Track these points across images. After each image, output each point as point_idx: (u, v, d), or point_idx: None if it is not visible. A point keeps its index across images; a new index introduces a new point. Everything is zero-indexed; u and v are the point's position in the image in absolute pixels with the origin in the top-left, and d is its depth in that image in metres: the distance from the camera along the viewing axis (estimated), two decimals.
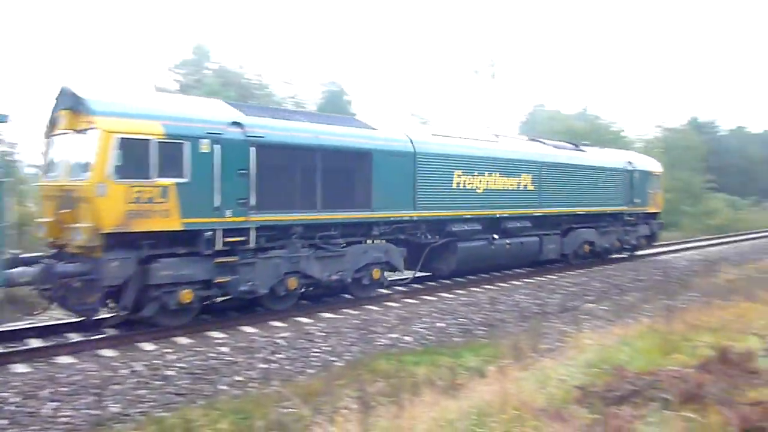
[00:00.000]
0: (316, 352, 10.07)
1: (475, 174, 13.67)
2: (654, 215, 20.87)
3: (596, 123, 41.25)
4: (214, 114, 9.36)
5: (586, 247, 18.18)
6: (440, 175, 12.83)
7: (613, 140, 40.41)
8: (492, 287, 15.15)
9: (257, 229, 9.69)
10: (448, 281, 15.25)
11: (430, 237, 12.85)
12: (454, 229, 13.35)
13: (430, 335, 11.82)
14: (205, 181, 8.98)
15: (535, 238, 15.97)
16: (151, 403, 7.63)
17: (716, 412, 4.07)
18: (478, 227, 13.96)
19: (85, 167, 8.35)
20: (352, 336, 10.82)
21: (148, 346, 9.02)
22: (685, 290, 16.36)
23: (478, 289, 14.86)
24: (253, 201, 9.56)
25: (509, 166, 14.71)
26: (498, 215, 14.35)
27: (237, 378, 8.68)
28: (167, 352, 8.82)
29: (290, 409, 6.84)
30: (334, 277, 10.96)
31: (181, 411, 7.32)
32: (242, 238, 9.51)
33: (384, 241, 11.69)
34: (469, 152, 13.62)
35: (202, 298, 9.37)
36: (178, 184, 8.74)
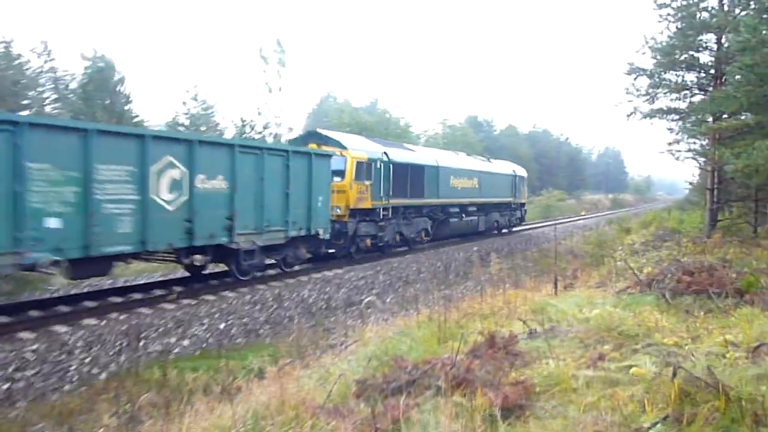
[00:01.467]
0: (75, 365, 9.31)
1: (457, 178, 26.20)
2: (523, 204, 34.73)
3: (385, 117, 43.17)
4: (377, 148, 20.63)
5: (494, 224, 30.69)
6: (447, 179, 25.33)
7: (401, 134, 42.69)
8: (278, 284, 15.25)
9: (391, 208, 20.33)
10: (229, 279, 14.94)
11: (441, 215, 24.95)
12: (450, 210, 25.64)
13: (211, 338, 11.52)
14: (377, 182, 19.81)
15: (476, 217, 28.34)
16: None
17: (482, 394, 4.43)
18: (457, 210, 26.15)
19: (341, 174, 18.55)
20: (120, 343, 10.16)
21: None
22: (463, 279, 19.03)
23: (263, 286, 14.85)
24: (390, 192, 20.51)
25: (469, 174, 27.36)
26: (465, 202, 26.70)
27: None
28: None
29: None
30: (412, 235, 22.80)
31: None
32: (386, 213, 20.45)
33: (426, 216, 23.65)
34: (457, 166, 26.28)
35: (373, 243, 20.07)
36: (371, 184, 19.47)
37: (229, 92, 79.11)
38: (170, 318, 11.52)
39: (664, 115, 21.18)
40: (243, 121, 34.75)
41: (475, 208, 28.26)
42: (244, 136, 33.85)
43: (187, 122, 37.77)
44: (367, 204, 20.31)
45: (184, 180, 12.49)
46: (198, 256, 13.04)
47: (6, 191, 9.38)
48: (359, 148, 20.43)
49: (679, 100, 20.47)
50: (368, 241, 20.61)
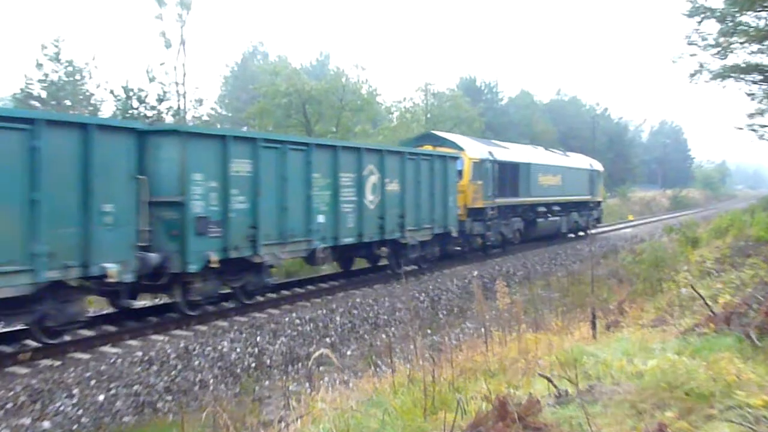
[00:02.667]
0: None
1: (545, 175, 34.80)
2: (599, 203, 43.44)
3: (339, 83, 43.08)
4: (483, 148, 30.65)
5: (574, 225, 39.26)
6: (536, 177, 34.36)
7: (364, 107, 42.76)
8: (184, 332, 15.49)
9: (497, 207, 29.64)
10: (108, 326, 15.55)
11: (531, 214, 33.02)
12: (538, 209, 33.92)
13: (84, 417, 11.69)
14: (487, 182, 29.24)
15: (559, 218, 36.44)
16: None
17: None
18: (544, 209, 34.73)
19: (460, 175, 28.11)
20: None
21: None
22: (459, 319, 19.98)
23: (160, 337, 15.12)
24: (496, 192, 30.30)
25: (554, 170, 35.39)
26: (551, 201, 34.55)
27: None
28: None
29: None
30: (510, 236, 32.13)
31: None
32: (493, 212, 29.70)
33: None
34: (544, 162, 35.19)
35: (483, 242, 29.79)
36: (482, 184, 28.88)
37: (107, 49, 78.69)
38: (21, 389, 11.71)
39: (742, 75, 21.63)
40: (127, 90, 34.21)
41: (558, 208, 37.53)
42: (129, 112, 33.45)
43: (43, 93, 37.22)
44: (480, 203, 29.62)
45: (379, 184, 22.61)
46: (384, 249, 23.53)
47: (304, 195, 19.48)
48: (474, 148, 30.16)
49: (763, 52, 20.86)
50: (479, 240, 30.48)
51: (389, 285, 23.16)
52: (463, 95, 58.41)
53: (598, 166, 44.05)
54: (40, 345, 13.80)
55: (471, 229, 29.18)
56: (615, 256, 32.24)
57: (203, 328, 16.14)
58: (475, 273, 25.94)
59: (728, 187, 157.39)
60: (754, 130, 21.37)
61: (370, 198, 22.48)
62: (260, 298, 19.02)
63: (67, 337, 14.13)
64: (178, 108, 38.98)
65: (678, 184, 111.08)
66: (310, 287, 21.73)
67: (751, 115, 22.03)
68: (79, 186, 13.34)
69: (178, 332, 15.54)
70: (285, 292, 20.69)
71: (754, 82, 21.04)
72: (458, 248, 29.11)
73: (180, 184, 15.88)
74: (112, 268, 13.88)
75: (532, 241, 35.13)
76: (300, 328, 17.29)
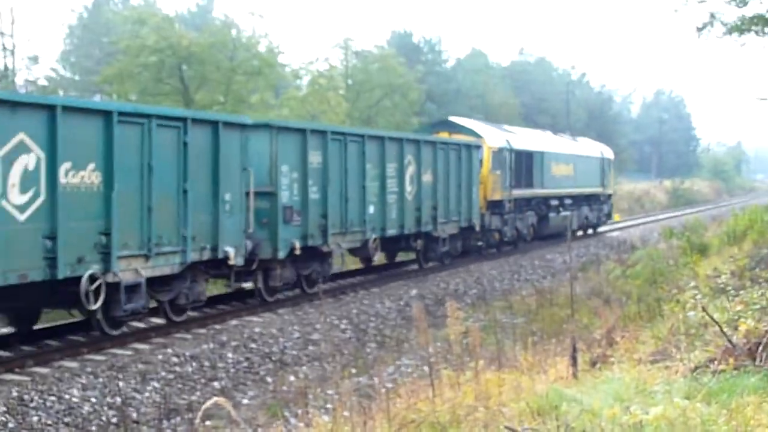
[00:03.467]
0: None
1: (558, 164, 42.60)
2: (610, 196, 50.41)
3: (228, 37, 42.60)
4: (500, 134, 39.44)
5: (585, 221, 45.60)
6: (549, 166, 42.63)
7: (262, 70, 42.32)
8: (16, 376, 15.68)
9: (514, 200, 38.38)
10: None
11: (543, 208, 41.30)
12: (551, 203, 41.85)
13: None
14: (504, 173, 36.97)
15: (570, 212, 41.94)
16: None
17: None
18: (557, 202, 42.20)
19: (479, 164, 36.21)
20: None
21: None
22: (394, 353, 20.24)
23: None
24: (513, 183, 38.42)
25: (566, 159, 43.28)
26: (563, 193, 42.53)
27: None
28: None
29: None
30: (525, 231, 40.00)
31: None
32: (510, 205, 37.66)
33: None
34: (556, 150, 43.17)
35: (501, 238, 37.59)
36: (500, 174, 36.68)
37: None
38: None
39: (765, 29, 22.07)
40: None
41: (570, 201, 43.67)
42: None
43: None
44: (498, 195, 35.40)
45: (416, 174, 29.20)
46: (420, 241, 30.72)
47: (359, 186, 26.74)
48: (492, 136, 36.23)
49: None
50: (497, 235, 36.58)
51: (303, 307, 24.44)
52: (396, 55, 58.33)
53: (609, 153, 51.75)
54: (164, 322, 20.77)
55: (489, 223, 35.66)
56: (597, 269, 33.49)
57: (45, 369, 16.26)
58: (494, 272, 33.85)
59: (745, 177, 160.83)
60: None
61: (408, 189, 29.40)
62: (192, 314, 22.19)
63: (192, 314, 21.39)
64: (5, 68, 38.17)
65: (679, 174, 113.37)
66: (192, 314, 21.85)
67: None
68: (210, 177, 20.46)
69: (9, 377, 15.58)
70: (157, 321, 21.09)
71: None
72: (480, 243, 35.97)
73: (270, 175, 22.97)
74: (231, 252, 20.98)
75: (544, 238, 41.66)
76: (178, 368, 17.43)
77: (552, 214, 41.58)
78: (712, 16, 20.66)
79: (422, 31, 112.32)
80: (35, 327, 19.29)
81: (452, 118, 39.14)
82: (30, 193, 16.02)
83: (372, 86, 54.24)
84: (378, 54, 58.01)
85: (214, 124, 20.75)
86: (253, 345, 19.56)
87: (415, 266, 33.64)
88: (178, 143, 19.53)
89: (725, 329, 11.18)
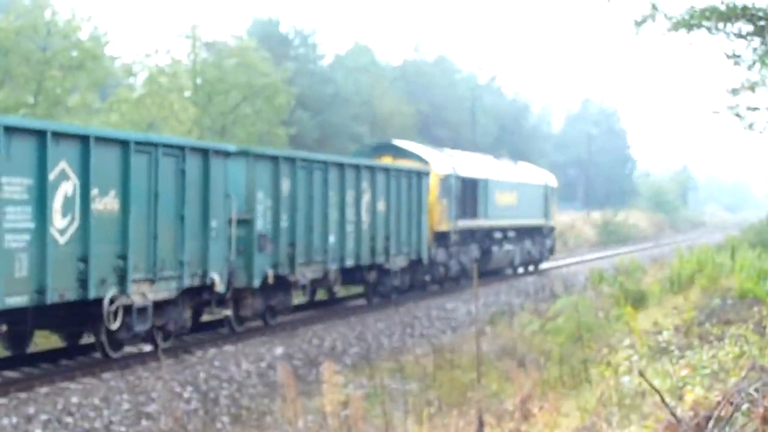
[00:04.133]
0: None
1: (502, 192, 50.55)
2: (553, 229, 58.91)
3: (40, 18, 41.93)
4: (445, 159, 46.09)
5: (527, 256, 52.58)
6: (494, 195, 49.80)
7: (84, 63, 41.81)
8: None
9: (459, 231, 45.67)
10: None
11: (487, 241, 48.10)
12: (494, 236, 48.91)
13: None
14: (450, 201, 44.14)
15: (513, 247, 50.75)
16: None
17: None
18: (500, 235, 49.18)
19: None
20: None
21: None
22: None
23: None
24: (457, 213, 44.93)
25: (510, 186, 50.85)
26: (506, 225, 49.49)
27: None
28: None
29: None
30: (469, 265, 44.27)
31: None
32: (455, 236, 44.97)
33: None
34: (499, 177, 50.41)
35: (446, 273, 44.45)
36: (447, 203, 44.14)
37: None
38: None
39: (721, 24, 22.44)
40: None
41: (513, 234, 49.56)
42: None
43: None
44: (444, 226, 40.39)
45: (371, 202, 37.04)
46: (373, 273, 37.73)
47: (322, 214, 33.19)
48: (439, 162, 40.97)
49: None
50: (442, 270, 41.42)
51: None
52: (259, 48, 57.38)
53: (552, 180, 58.78)
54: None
55: (435, 255, 40.95)
56: (509, 320, 34.43)
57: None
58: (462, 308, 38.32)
59: (693, 208, 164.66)
60: (738, 116, 22.00)
61: (364, 218, 34.77)
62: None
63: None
64: None
65: (611, 203, 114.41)
66: None
67: (734, 91, 22.59)
68: (201, 204, 25.80)
69: None
70: None
71: (740, 36, 21.56)
72: (426, 278, 41.28)
73: (248, 203, 28.10)
74: (217, 278, 25.92)
75: (486, 275, 45.96)
76: None
77: (495, 248, 47.22)
78: (654, 7, 20.82)
79: (292, 19, 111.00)
80: None
81: (397, 142, 45.42)
82: (68, 218, 21.36)
83: (227, 87, 53.49)
84: (235, 46, 57.15)
85: (204, 152, 26.51)
86: (68, 420, 19.00)
87: (360, 302, 38.97)
88: (176, 171, 25.18)
89: (668, 399, 11.29)
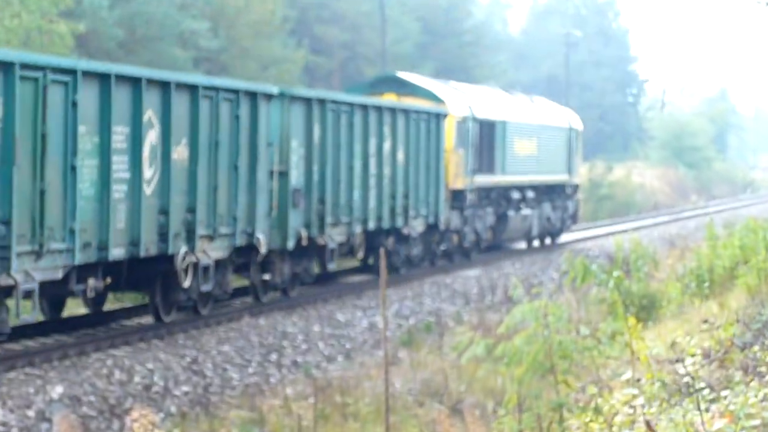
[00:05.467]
0: None
1: (521, 139, 44.81)
2: (576, 188, 52.91)
3: None
4: (459, 95, 41.31)
5: (546, 224, 48.14)
6: (512, 143, 42.62)
7: None
8: None
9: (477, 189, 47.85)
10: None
11: (503, 203, 43.33)
12: (511, 196, 43.12)
13: None
14: (467, 151, 39.75)
15: (531, 211, 45.03)
16: None
17: None
18: (518, 196, 44.17)
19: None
20: None
21: None
22: None
23: None
24: (474, 167, 41.60)
25: (529, 131, 45.27)
26: (525, 182, 45.16)
27: None
28: None
29: None
30: (484, 234, 44.19)
31: None
32: (472, 196, 42.61)
33: None
34: (519, 119, 44.50)
35: (460, 241, 42.92)
36: (463, 154, 40.23)
37: None
38: None
39: None
40: None
41: (532, 194, 45.95)
42: None
43: None
44: (460, 183, 39.41)
45: (391, 153, 34.82)
46: (392, 239, 36.11)
47: (347, 166, 32.67)
48: (455, 100, 40.77)
49: None
50: (455, 238, 40.79)
51: None
52: None
53: (577, 122, 51.98)
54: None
55: (449, 221, 39.10)
56: (437, 340, 29.80)
57: None
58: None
59: (735, 159, 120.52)
60: None
61: (385, 171, 34.13)
62: None
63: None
64: None
65: (605, 150, 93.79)
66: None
67: None
68: (250, 153, 26.60)
69: None
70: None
71: None
72: (443, 248, 39.63)
73: (281, 152, 28.71)
74: (262, 239, 26.86)
75: (497, 246, 42.95)
76: None
77: (511, 212, 44.69)
78: None
79: None
80: None
81: (402, 74, 42.58)
82: (153, 168, 22.59)
83: None
84: None
85: (253, 96, 27.41)
86: None
87: (358, 277, 37.12)
88: (231, 117, 26.32)
89: None
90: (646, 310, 25.29)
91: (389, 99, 35.99)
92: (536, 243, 46.71)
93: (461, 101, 38.37)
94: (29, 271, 20.46)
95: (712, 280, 26.80)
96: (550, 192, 47.93)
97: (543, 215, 45.55)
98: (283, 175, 27.07)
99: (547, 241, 48.52)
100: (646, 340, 18.64)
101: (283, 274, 27.58)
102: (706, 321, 20.38)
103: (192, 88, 24.71)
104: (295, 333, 30.76)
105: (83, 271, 21.67)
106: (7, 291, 20.96)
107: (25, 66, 20.32)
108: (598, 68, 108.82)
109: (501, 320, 21.86)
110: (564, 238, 50.26)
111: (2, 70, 19.92)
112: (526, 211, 42.70)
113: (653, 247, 36.84)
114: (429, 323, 32.74)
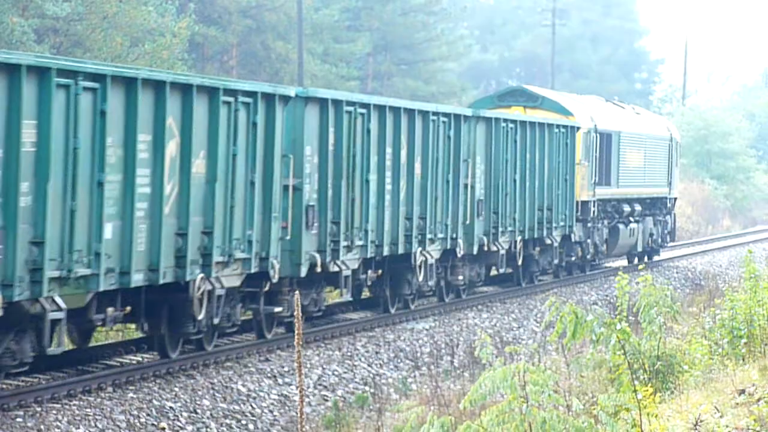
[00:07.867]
0: None
1: (631, 150, 47.62)
2: (674, 201, 52.85)
3: None
4: (586, 110, 45.53)
5: (649, 239, 49.18)
6: (625, 154, 45.81)
7: None
8: None
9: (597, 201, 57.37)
10: None
11: (616, 216, 45.12)
12: (623, 208, 44.92)
13: None
14: (591, 163, 45.34)
15: (637, 225, 46.05)
16: None
17: None
18: (628, 208, 45.59)
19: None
20: None
21: None
22: None
23: None
24: (596, 178, 48.94)
25: (638, 142, 47.13)
26: (633, 195, 47.75)
27: None
28: None
29: None
30: (603, 248, 49.15)
31: None
32: (595, 208, 48.01)
33: None
34: (630, 128, 47.32)
35: (582, 255, 47.01)
36: (588, 166, 46.14)
37: None
38: None
39: None
40: None
41: (639, 208, 48.00)
42: None
43: None
44: (585, 195, 41.77)
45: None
46: (537, 249, 38.83)
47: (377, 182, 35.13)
48: (582, 112, 42.97)
49: None
50: (579, 250, 41.97)
51: None
52: None
53: (676, 132, 52.16)
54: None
55: (574, 232, 39.41)
56: (377, 417, 25.00)
57: None
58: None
59: None
60: None
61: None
62: None
63: None
64: None
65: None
66: None
67: None
68: (265, 166, 24.19)
69: None
70: None
71: None
72: (573, 259, 39.15)
73: (295, 164, 26.93)
74: (276, 265, 24.53)
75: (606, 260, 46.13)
76: None
77: (621, 226, 43.55)
78: None
79: None
80: None
81: (530, 87, 42.54)
82: (171, 183, 20.92)
83: None
84: None
85: (270, 98, 25.35)
86: None
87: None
88: (248, 124, 24.14)
89: None
90: (662, 376, 21.77)
91: (517, 112, 35.86)
92: (635, 260, 45.59)
93: (585, 113, 39.74)
94: (56, 299, 19.04)
95: (750, 336, 21.08)
96: (652, 206, 47.10)
97: (647, 230, 45.93)
98: (296, 190, 24.02)
99: (645, 258, 47.97)
100: (662, 417, 16.96)
101: (292, 306, 24.03)
102: (742, 391, 18.74)
103: (212, 91, 22.76)
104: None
105: (103, 299, 20.02)
106: (35, 318, 19.59)
107: (60, 72, 19.17)
108: (596, 45, 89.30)
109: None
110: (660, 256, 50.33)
111: (38, 78, 18.68)
112: (633, 225, 43.44)
113: (671, 290, 29.03)
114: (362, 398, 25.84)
